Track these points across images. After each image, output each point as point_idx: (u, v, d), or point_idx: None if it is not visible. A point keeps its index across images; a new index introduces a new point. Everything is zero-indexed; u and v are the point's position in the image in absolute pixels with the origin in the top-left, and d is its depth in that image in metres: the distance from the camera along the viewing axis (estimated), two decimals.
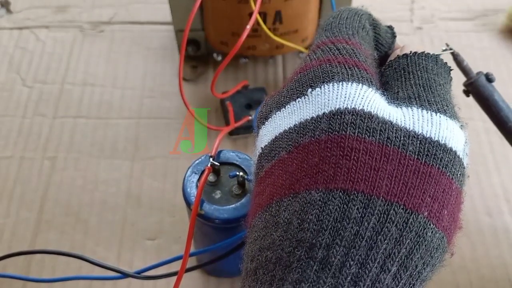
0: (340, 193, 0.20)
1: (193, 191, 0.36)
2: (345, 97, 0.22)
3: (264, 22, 0.49)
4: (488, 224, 0.47)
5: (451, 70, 0.25)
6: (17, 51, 0.61)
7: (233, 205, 0.35)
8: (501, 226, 0.47)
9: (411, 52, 0.25)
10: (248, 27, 0.44)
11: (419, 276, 0.20)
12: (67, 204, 0.49)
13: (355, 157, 0.20)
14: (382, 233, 0.19)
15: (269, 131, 0.24)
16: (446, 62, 0.25)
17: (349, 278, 0.19)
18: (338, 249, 0.19)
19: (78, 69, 0.59)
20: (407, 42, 0.26)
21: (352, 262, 0.19)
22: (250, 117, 0.51)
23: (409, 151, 0.21)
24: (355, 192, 0.20)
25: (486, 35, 0.62)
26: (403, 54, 0.25)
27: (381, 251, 0.19)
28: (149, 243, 0.46)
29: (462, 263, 0.45)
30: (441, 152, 0.21)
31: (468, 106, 0.55)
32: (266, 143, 0.23)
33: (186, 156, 0.51)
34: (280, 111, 0.24)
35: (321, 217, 0.20)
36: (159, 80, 0.58)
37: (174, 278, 0.34)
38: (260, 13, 0.47)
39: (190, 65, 0.58)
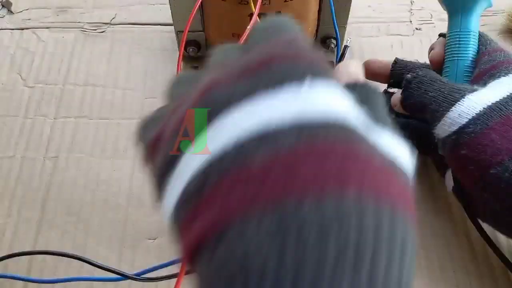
0: (351, 200, 0.16)
1: None
2: (341, 107, 0.20)
3: None
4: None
5: None
6: (19, 51, 0.61)
7: None
8: None
9: None
10: (249, 27, 0.44)
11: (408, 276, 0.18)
12: (68, 203, 0.49)
13: (359, 163, 0.18)
14: (380, 235, 0.17)
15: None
16: None
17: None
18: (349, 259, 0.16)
19: (79, 70, 0.59)
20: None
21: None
22: None
23: (382, 163, 0.19)
24: (366, 198, 0.17)
25: None
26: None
27: (383, 255, 0.16)
28: (150, 242, 0.47)
29: (462, 263, 0.45)
30: (405, 174, 0.20)
31: None
32: None
33: None
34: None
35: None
36: (160, 81, 0.58)
37: (175, 279, 0.34)
38: (260, 14, 0.48)
39: (191, 66, 0.58)
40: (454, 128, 0.38)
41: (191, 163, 0.19)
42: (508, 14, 0.62)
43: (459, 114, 0.38)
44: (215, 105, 0.19)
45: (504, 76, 0.39)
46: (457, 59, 0.42)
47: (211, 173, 0.18)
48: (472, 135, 0.37)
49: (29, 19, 0.65)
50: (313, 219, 0.15)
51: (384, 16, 0.64)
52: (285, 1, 0.48)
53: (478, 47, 0.43)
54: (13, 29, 0.64)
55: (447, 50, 0.44)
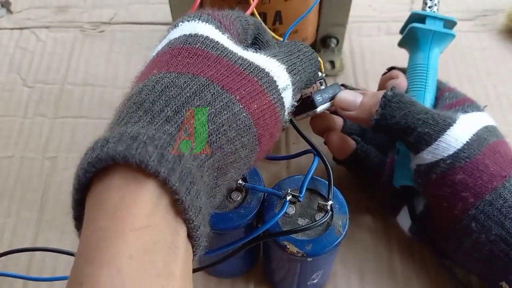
0: (175, 73, 0.28)
1: None
2: (202, 28, 0.31)
3: (264, 22, 0.49)
4: None
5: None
6: (18, 51, 0.61)
7: (230, 213, 0.35)
8: None
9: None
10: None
11: (225, 134, 0.27)
12: (67, 204, 0.48)
13: (196, 58, 0.29)
14: (200, 95, 0.27)
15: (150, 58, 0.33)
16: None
17: (163, 119, 0.26)
18: (161, 102, 0.26)
19: (78, 69, 0.59)
20: None
21: (168, 109, 0.26)
22: None
23: (238, 64, 0.29)
24: (186, 73, 0.28)
25: (486, 35, 0.62)
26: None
27: (195, 105, 0.26)
28: None
29: None
30: (263, 74, 0.30)
31: None
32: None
33: None
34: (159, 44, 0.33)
35: (156, 85, 0.27)
36: None
37: None
38: (260, 14, 0.47)
39: None
40: (450, 152, 0.37)
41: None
42: (508, 14, 0.62)
43: (456, 139, 0.37)
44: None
45: (470, 111, 0.40)
46: (424, 91, 0.43)
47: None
48: (467, 160, 0.36)
49: (28, 19, 0.64)
50: (165, 76, 0.28)
51: (385, 16, 0.64)
52: (285, 0, 0.48)
53: (437, 84, 0.44)
54: (12, 29, 0.63)
55: (413, 81, 0.44)
